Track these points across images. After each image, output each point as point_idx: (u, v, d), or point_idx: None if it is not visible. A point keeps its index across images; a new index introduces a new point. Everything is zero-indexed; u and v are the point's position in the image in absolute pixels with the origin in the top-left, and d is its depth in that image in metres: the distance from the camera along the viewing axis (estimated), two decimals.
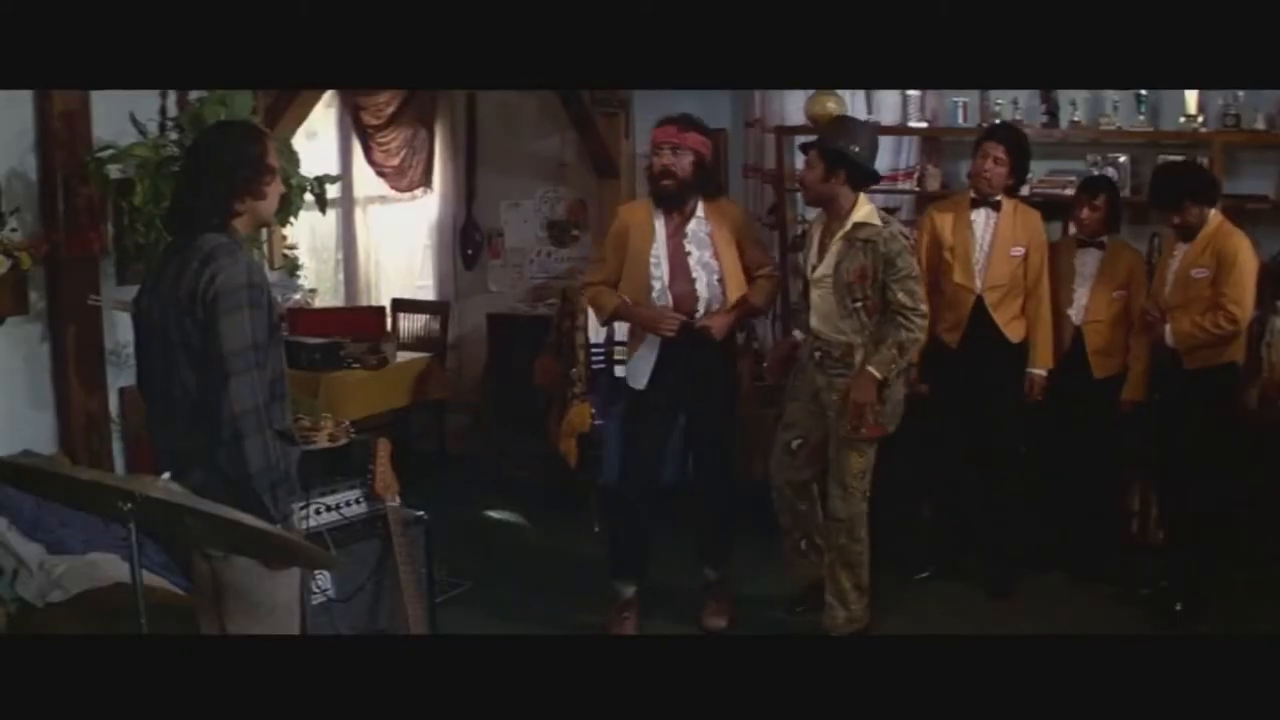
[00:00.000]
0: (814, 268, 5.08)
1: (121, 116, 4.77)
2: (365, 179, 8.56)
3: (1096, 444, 5.95)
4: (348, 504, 4.72)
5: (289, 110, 6.17)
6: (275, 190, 3.39)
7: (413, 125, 8.62)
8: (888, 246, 4.85)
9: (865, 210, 4.95)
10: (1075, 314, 5.86)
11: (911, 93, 7.02)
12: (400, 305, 8.66)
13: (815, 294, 5.08)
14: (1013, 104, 6.80)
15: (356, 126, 8.46)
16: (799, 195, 7.28)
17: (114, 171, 4.71)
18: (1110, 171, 6.47)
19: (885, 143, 7.10)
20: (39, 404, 5.00)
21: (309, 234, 8.34)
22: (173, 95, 4.74)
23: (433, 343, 8.43)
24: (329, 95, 8.49)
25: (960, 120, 6.97)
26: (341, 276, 8.71)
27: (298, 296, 8.46)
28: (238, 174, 3.26)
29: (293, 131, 6.24)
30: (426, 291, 9.04)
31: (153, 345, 3.32)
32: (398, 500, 4.83)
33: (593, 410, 6.94)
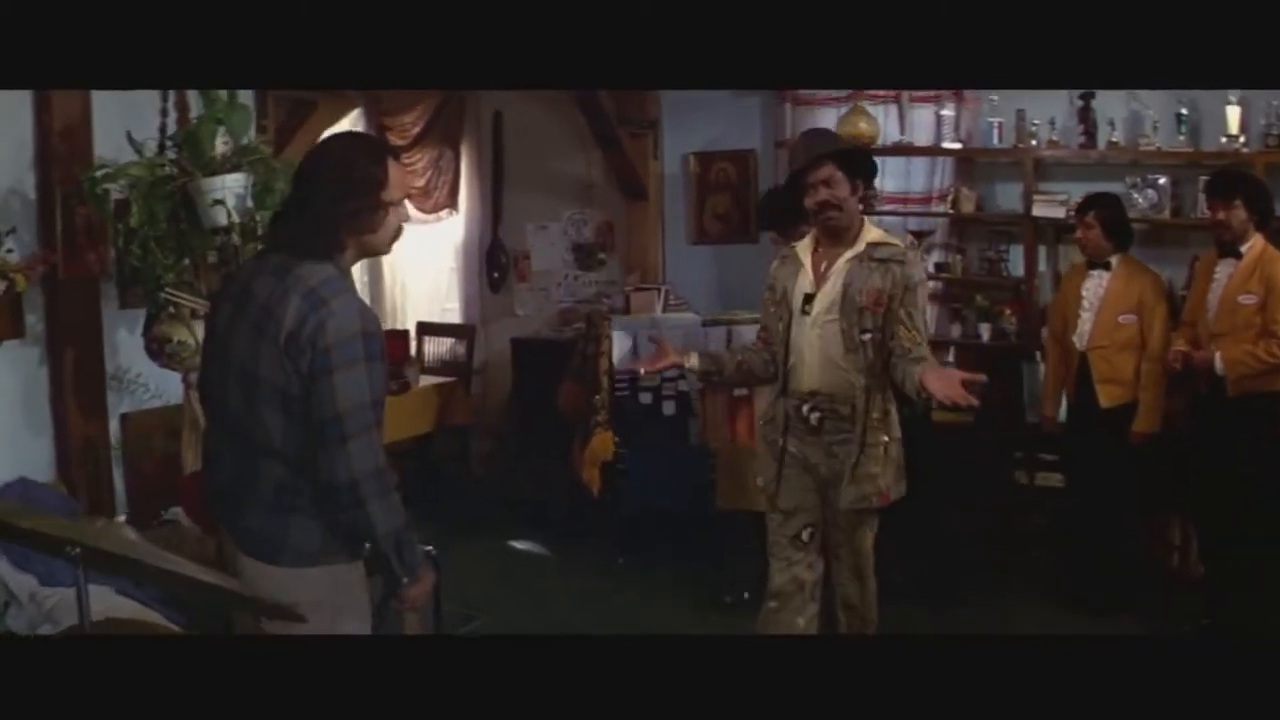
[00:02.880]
0: (807, 300, 4.21)
1: (123, 134, 4.61)
2: None
3: (1107, 476, 5.67)
4: None
5: (301, 129, 6.01)
6: (393, 220, 3.02)
7: (438, 145, 8.52)
8: (910, 270, 4.14)
9: (877, 231, 4.29)
10: (1079, 339, 5.68)
11: (945, 112, 6.89)
12: (425, 328, 8.55)
13: (813, 335, 4.19)
14: (1049, 124, 6.67)
15: None
16: None
17: (115, 191, 4.55)
18: (1150, 194, 6.33)
19: (919, 164, 7.04)
20: (37, 430, 4.83)
21: None
22: (173, 113, 4.58)
23: (458, 367, 8.31)
24: (354, 114, 8.41)
25: (995, 141, 6.85)
26: (367, 298, 8.54)
27: None
28: (345, 204, 2.92)
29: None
30: (454, 314, 8.92)
31: (227, 368, 3.02)
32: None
33: (616, 439, 6.74)
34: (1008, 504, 6.67)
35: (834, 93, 7.10)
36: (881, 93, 7.00)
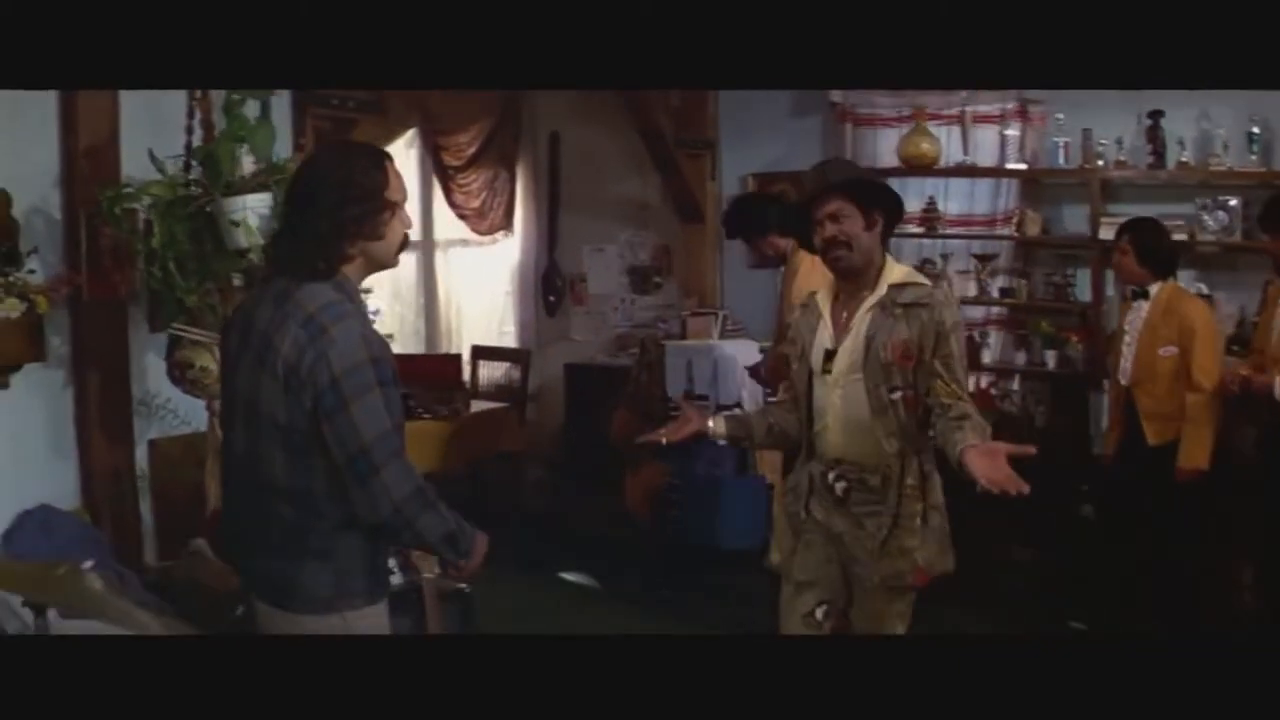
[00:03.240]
0: (827, 358, 3.66)
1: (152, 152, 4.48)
2: (445, 221, 8.32)
3: (1158, 517, 5.34)
4: None
5: None
6: (398, 228, 2.86)
7: (494, 166, 8.43)
8: (941, 314, 3.52)
9: (899, 270, 3.67)
10: (1122, 375, 5.42)
11: (1010, 132, 6.70)
12: (480, 352, 8.43)
13: (835, 396, 3.63)
14: (1117, 143, 6.50)
15: (437, 167, 8.30)
16: (899, 241, 6.90)
17: (141, 211, 4.43)
18: (1220, 215, 6.12)
19: (983, 185, 6.87)
20: (61, 455, 4.71)
21: (391, 277, 8.13)
22: (199, 131, 4.44)
23: (513, 392, 8.16)
24: (410, 135, 8.33)
25: (1061, 161, 6.68)
26: (421, 321, 8.44)
27: None
28: (346, 210, 2.76)
29: None
30: (511, 338, 8.79)
31: (234, 403, 2.90)
32: (436, 571, 4.46)
33: (669, 469, 6.53)
34: (1072, 539, 6.37)
35: (895, 112, 6.91)
36: (944, 113, 6.81)
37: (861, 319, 3.59)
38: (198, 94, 4.43)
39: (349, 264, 2.82)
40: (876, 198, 3.64)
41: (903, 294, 3.56)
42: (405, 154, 8.61)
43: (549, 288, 8.66)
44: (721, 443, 3.95)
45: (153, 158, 4.32)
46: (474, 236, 8.54)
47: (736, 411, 4.55)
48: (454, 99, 7.88)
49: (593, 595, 6.69)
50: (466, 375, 8.03)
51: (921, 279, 3.68)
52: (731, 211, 5.84)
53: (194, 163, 4.38)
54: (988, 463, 3.17)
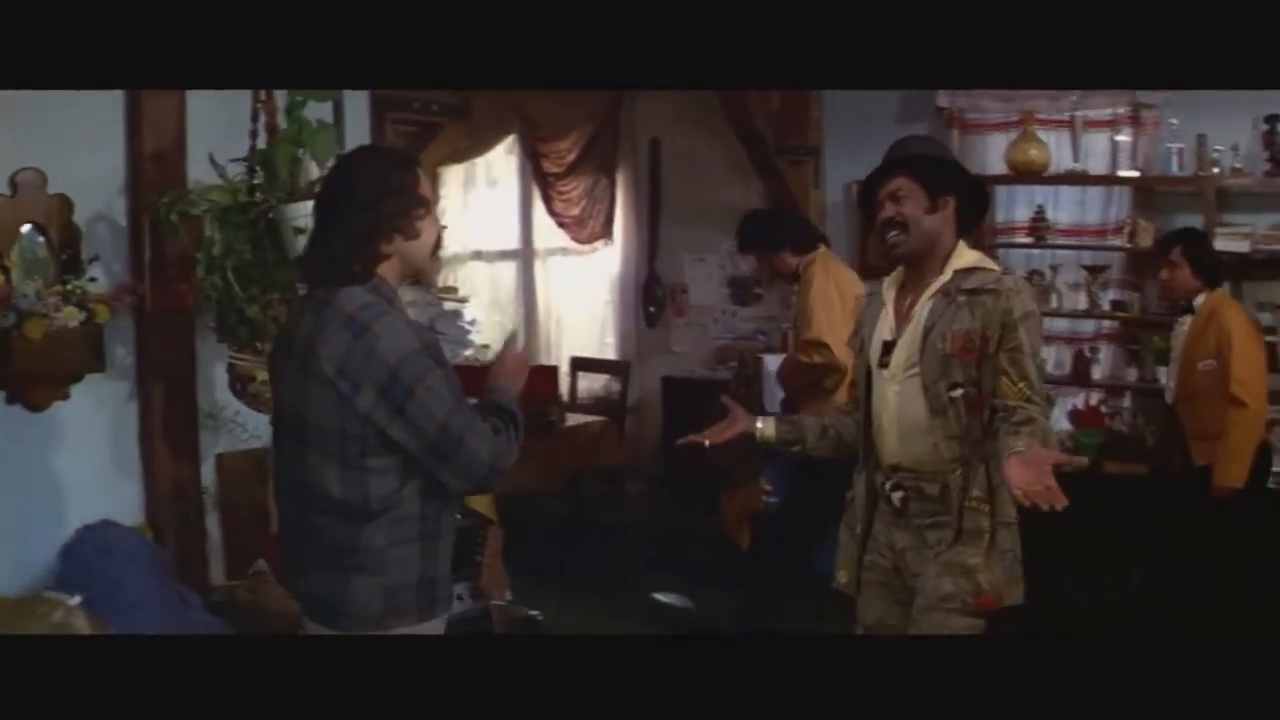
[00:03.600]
0: (885, 350, 3.31)
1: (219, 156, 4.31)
2: (545, 230, 8.15)
3: (1201, 541, 5.06)
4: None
5: (423, 154, 5.68)
6: (431, 228, 2.80)
7: (594, 173, 8.26)
8: (1010, 302, 3.13)
9: (970, 256, 3.28)
10: (1167, 394, 5.26)
11: (1121, 138, 6.39)
12: (579, 364, 8.28)
13: (890, 393, 3.27)
14: (1233, 150, 6.20)
15: (536, 174, 8.14)
16: (1007, 252, 6.61)
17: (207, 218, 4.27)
18: None
19: (1094, 194, 6.65)
20: (124, 469, 4.58)
21: (490, 286, 8.03)
22: (263, 134, 4.26)
23: (612, 405, 7.96)
24: (509, 141, 8.17)
25: (1175, 168, 6.36)
26: (522, 331, 8.27)
27: (469, 352, 8.06)
28: (382, 206, 2.71)
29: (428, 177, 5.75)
30: (612, 349, 8.58)
31: (280, 419, 2.88)
32: (507, 597, 4.25)
33: (768, 487, 6.25)
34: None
35: (1003, 117, 6.60)
36: (1054, 118, 6.49)
37: (922, 307, 3.23)
38: (262, 95, 4.25)
39: (385, 266, 2.76)
40: (946, 179, 3.27)
41: (968, 279, 3.19)
42: (504, 160, 8.47)
43: (649, 298, 8.46)
44: (771, 445, 3.58)
45: (213, 161, 4.15)
46: (573, 245, 8.38)
47: (791, 415, 4.13)
48: (553, 103, 7.70)
49: (688, 615, 6.44)
50: (565, 387, 7.85)
51: (990, 265, 3.28)
52: (744, 226, 5.72)
53: (257, 167, 4.20)
54: (1029, 473, 2.77)
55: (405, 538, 2.73)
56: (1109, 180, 6.57)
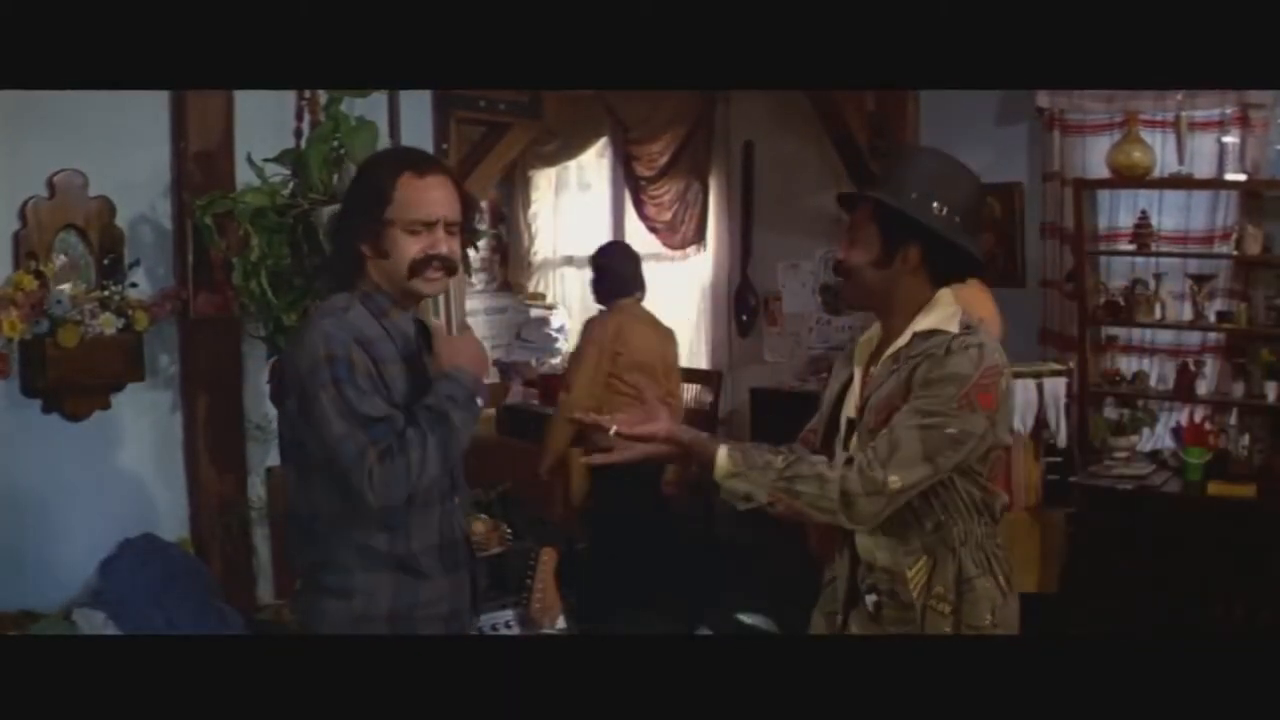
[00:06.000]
0: (850, 429, 2.71)
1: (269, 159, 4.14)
2: (636, 235, 7.93)
3: None
4: (496, 627, 3.94)
5: (490, 154, 5.47)
6: (405, 249, 2.54)
7: (686, 177, 8.03)
8: (943, 364, 2.52)
9: (941, 313, 2.62)
10: None
11: (1229, 139, 5.94)
12: None
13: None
14: None
15: (628, 177, 7.94)
16: (1109, 260, 6.23)
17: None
18: None
19: (1200, 199, 6.21)
20: (168, 482, 4.42)
21: (581, 292, 7.82)
22: (307, 133, 4.07)
23: (704, 416, 7.67)
24: (600, 144, 7.99)
25: None
26: None
27: (556, 361, 7.87)
28: (352, 218, 2.63)
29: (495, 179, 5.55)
30: (704, 358, 8.32)
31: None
32: (560, 625, 4.02)
33: None
34: None
35: (1106, 118, 6.21)
36: (1158, 119, 6.08)
37: (874, 376, 2.67)
38: (306, 95, 4.08)
39: (372, 274, 2.61)
40: (911, 230, 2.57)
41: (925, 343, 2.58)
42: (596, 165, 8.28)
43: (742, 306, 8.16)
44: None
45: (251, 162, 3.97)
46: (666, 251, 8.15)
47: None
48: (645, 105, 7.48)
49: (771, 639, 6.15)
50: None
51: (956, 325, 2.59)
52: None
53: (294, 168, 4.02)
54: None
55: (377, 564, 2.58)
56: (1215, 184, 6.15)
